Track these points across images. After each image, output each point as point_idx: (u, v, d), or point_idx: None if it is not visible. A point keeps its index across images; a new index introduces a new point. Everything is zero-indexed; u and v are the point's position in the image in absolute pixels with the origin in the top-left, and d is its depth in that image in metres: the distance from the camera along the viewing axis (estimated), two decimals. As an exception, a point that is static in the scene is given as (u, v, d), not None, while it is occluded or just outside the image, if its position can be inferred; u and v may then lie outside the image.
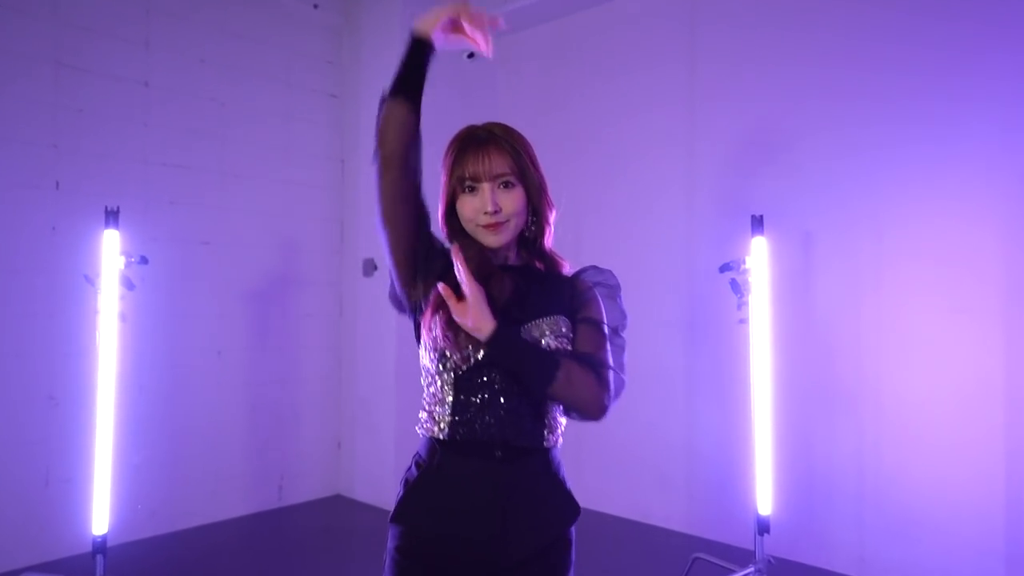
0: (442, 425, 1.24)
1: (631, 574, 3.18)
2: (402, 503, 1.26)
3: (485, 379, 1.23)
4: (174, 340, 3.64)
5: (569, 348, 1.25)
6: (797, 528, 3.28)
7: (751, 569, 2.62)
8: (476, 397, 1.22)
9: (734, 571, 2.66)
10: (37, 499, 3.16)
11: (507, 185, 1.25)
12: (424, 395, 1.29)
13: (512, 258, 1.32)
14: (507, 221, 1.25)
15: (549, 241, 1.34)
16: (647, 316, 3.82)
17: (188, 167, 3.72)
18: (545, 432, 1.26)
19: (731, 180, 3.56)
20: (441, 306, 1.24)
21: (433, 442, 1.26)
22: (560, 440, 1.29)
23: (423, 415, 1.28)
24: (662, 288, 3.78)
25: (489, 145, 1.26)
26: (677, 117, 3.80)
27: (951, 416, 2.92)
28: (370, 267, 4.24)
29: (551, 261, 1.34)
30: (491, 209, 1.23)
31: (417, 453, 1.29)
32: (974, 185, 2.88)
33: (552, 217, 1.32)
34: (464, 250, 1.24)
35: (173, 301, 3.64)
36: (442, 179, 1.30)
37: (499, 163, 1.25)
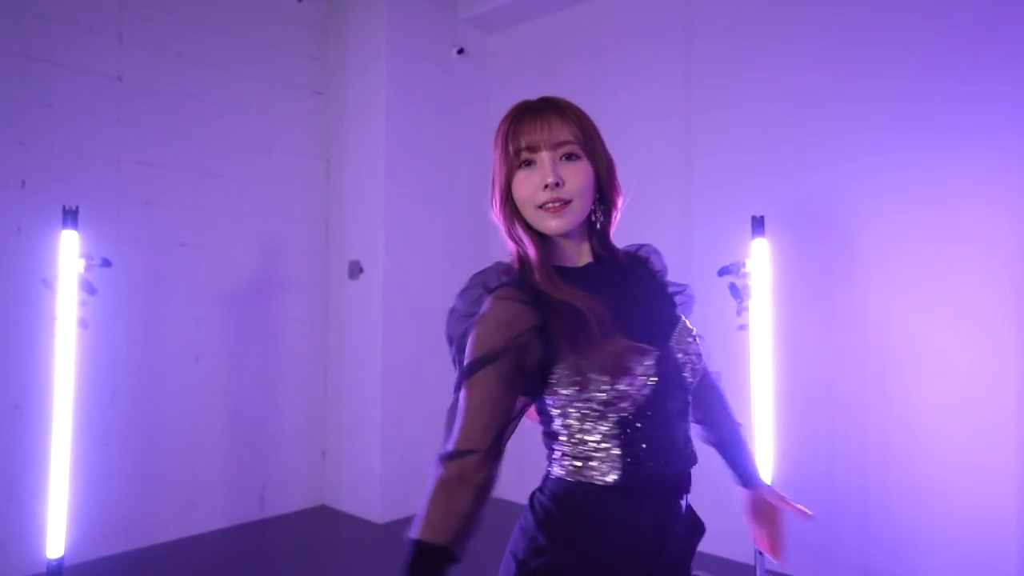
0: None
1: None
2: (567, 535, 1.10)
3: (662, 404, 1.12)
4: (149, 346, 3.49)
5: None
6: (799, 540, 3.13)
7: (752, 590, 2.48)
8: (655, 424, 1.11)
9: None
10: None
11: (570, 157, 1.06)
12: None
13: (588, 255, 1.14)
14: (571, 201, 1.05)
15: (612, 232, 1.16)
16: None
17: (165, 166, 3.57)
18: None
19: (729, 180, 3.42)
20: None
21: None
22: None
23: None
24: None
25: (549, 111, 1.08)
26: (673, 113, 3.66)
27: (959, 425, 2.79)
28: (356, 269, 4.09)
29: (613, 254, 1.17)
30: (551, 180, 1.03)
31: None
32: (983, 185, 2.75)
33: (620, 204, 1.14)
34: (544, 273, 1.06)
35: (149, 305, 3.49)
36: (495, 160, 1.11)
37: (561, 130, 1.06)
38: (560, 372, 1.02)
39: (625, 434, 1.03)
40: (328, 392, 4.24)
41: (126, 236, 3.38)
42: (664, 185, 3.67)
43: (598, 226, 1.12)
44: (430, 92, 4.20)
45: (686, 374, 1.09)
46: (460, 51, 4.36)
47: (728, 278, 2.46)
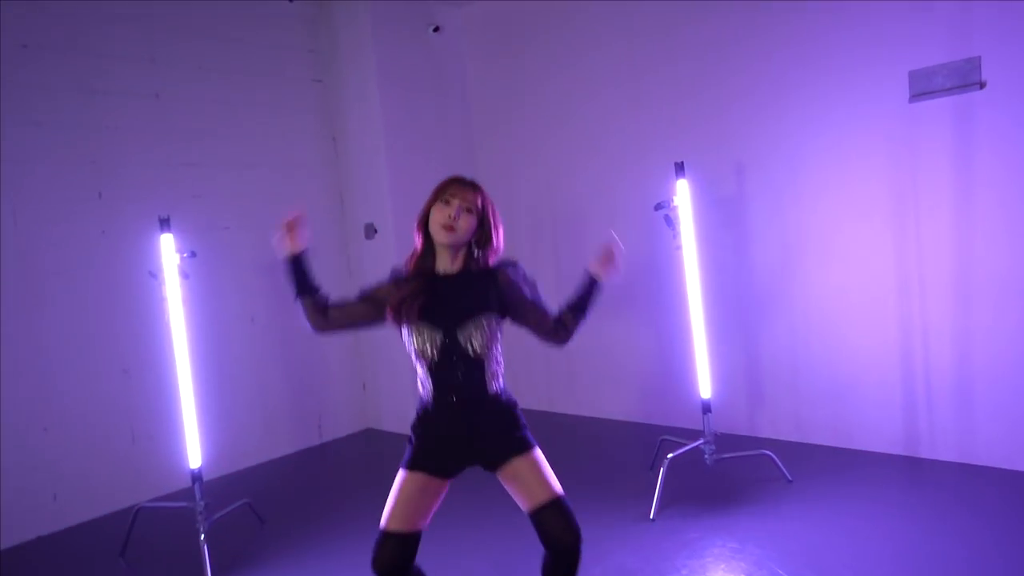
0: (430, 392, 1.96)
1: (617, 460, 3.91)
2: (415, 427, 2.04)
3: (449, 362, 1.92)
4: (214, 314, 4.26)
5: (497, 337, 1.94)
6: (747, 408, 4.00)
7: (700, 441, 3.32)
8: (445, 374, 1.93)
9: (687, 444, 3.36)
10: (127, 454, 3.88)
11: (468, 211, 1.92)
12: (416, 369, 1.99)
13: (454, 268, 1.96)
14: (457, 231, 1.91)
15: (492, 257, 1.99)
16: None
17: (203, 164, 4.28)
18: (492, 383, 1.96)
19: (658, 131, 4.14)
20: (403, 319, 1.93)
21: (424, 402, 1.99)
22: (501, 383, 1.99)
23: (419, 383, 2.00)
24: (624, 223, 4.40)
25: (472, 185, 1.97)
26: (620, 74, 4.34)
27: (859, 302, 3.60)
28: (371, 231, 4.84)
29: (485, 263, 1.99)
30: (453, 214, 1.91)
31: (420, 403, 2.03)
32: (867, 121, 3.47)
33: (496, 243, 1.98)
34: (425, 271, 1.97)
35: (209, 280, 4.22)
36: (430, 196, 1.96)
37: (470, 197, 1.94)
38: None
39: (434, 376, 1.94)
40: (361, 335, 5.04)
41: (182, 226, 4.10)
42: (615, 140, 4.38)
43: (474, 254, 1.98)
44: (414, 68, 4.85)
45: (467, 349, 1.90)
46: (436, 29, 4.98)
47: (662, 211, 3.21)
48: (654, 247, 4.14)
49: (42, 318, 3.64)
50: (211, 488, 3.97)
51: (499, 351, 1.98)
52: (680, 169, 3.19)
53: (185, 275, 3.04)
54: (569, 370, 4.84)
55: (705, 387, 3.31)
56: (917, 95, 3.30)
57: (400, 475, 1.96)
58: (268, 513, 3.55)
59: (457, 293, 1.93)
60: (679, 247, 3.25)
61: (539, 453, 1.96)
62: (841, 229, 3.61)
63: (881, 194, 3.47)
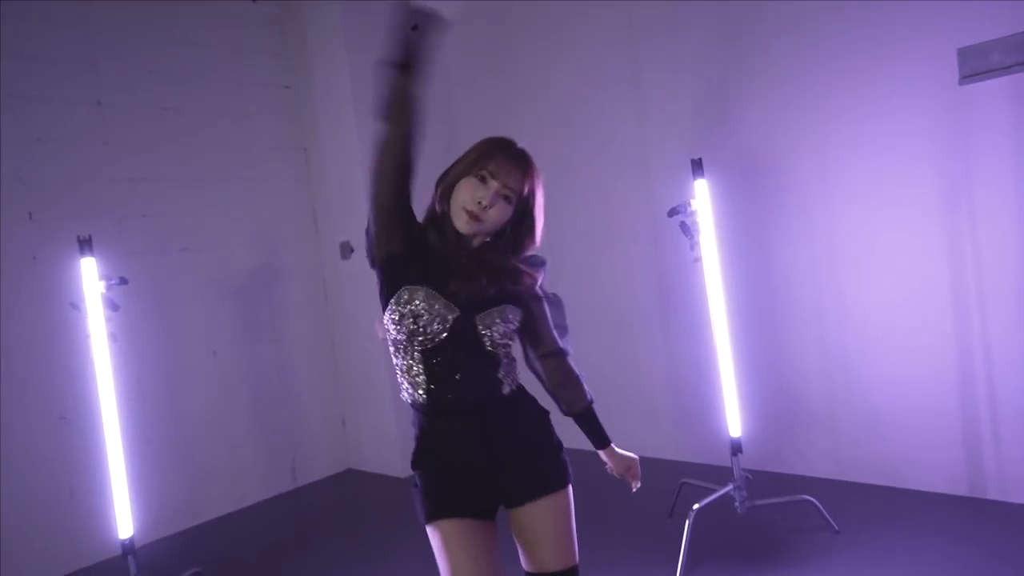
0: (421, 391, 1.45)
1: (630, 504, 3.40)
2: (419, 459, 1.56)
3: (455, 352, 1.43)
4: (169, 347, 3.78)
5: (514, 328, 1.49)
6: (777, 441, 3.49)
7: (730, 487, 2.82)
8: (447, 365, 1.43)
9: (716, 490, 2.86)
10: (65, 512, 3.36)
11: (506, 198, 1.43)
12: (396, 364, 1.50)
13: (475, 242, 1.49)
14: (485, 222, 1.42)
15: (523, 253, 1.52)
16: (619, 262, 3.98)
17: (154, 179, 3.81)
18: (506, 383, 1.52)
19: (678, 123, 3.67)
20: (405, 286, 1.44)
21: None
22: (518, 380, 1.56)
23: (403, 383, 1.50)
24: (627, 235, 3.92)
25: (522, 163, 1.45)
26: (626, 76, 3.88)
27: (906, 319, 3.10)
28: (347, 250, 4.37)
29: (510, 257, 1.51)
30: (486, 203, 1.40)
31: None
32: (909, 108, 3.00)
33: (536, 242, 1.52)
34: (441, 234, 1.47)
35: (162, 309, 3.76)
36: (463, 157, 1.46)
37: (517, 180, 1.43)
38: None
39: (428, 365, 1.44)
40: (339, 366, 4.56)
41: (130, 249, 3.63)
42: (619, 138, 3.92)
43: (498, 244, 1.49)
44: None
45: (483, 340, 1.44)
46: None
47: (678, 218, 2.73)
48: (668, 259, 3.66)
49: (-40, 359, 3.14)
50: (161, 550, 3.48)
51: (512, 356, 1.54)
52: (698, 167, 2.72)
53: (113, 306, 2.55)
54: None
55: (734, 423, 2.82)
56: (969, 76, 2.84)
57: (434, 533, 1.50)
58: (225, 580, 3.04)
59: (478, 270, 1.46)
60: (698, 258, 2.77)
61: (570, 497, 1.55)
62: (884, 233, 3.13)
63: (929, 191, 2.99)
